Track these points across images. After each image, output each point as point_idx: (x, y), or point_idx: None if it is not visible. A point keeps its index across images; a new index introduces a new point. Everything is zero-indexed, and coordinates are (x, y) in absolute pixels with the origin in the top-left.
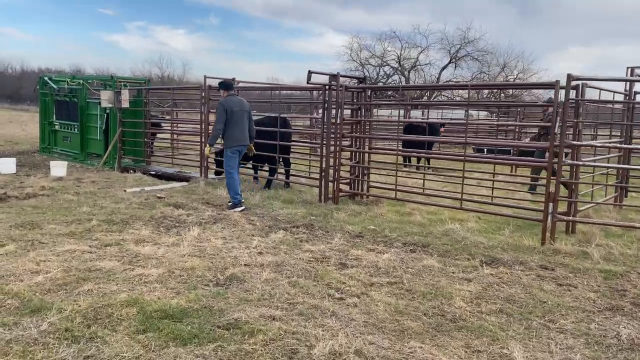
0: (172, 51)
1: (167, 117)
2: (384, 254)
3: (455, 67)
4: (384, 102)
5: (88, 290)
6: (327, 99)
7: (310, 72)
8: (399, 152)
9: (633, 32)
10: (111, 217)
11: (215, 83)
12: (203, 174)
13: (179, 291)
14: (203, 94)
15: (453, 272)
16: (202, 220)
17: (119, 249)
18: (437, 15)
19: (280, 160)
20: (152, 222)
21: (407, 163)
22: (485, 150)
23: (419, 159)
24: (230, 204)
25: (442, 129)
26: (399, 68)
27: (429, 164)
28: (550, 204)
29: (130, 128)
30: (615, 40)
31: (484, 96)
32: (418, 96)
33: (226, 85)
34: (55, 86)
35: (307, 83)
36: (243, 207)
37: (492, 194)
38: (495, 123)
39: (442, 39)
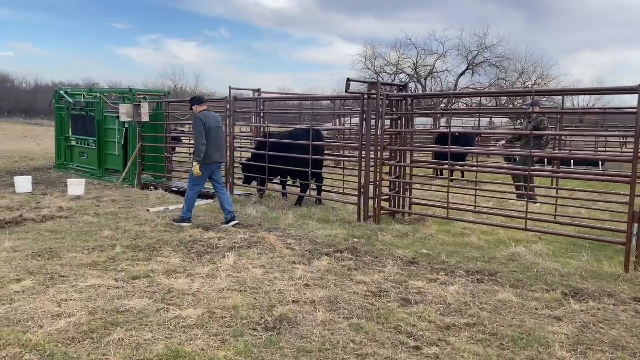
0: (183, 64)
1: (186, 131)
2: (449, 285)
3: (473, 73)
4: (431, 112)
5: (119, 340)
6: (365, 108)
7: (349, 80)
8: (452, 166)
9: None
10: (136, 242)
11: (240, 94)
12: (228, 191)
13: (224, 339)
14: (228, 107)
15: (536, 309)
16: (235, 245)
17: (149, 283)
18: (446, 23)
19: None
20: (182, 247)
21: (439, 176)
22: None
23: (451, 172)
24: (178, 217)
25: (478, 139)
26: (415, 76)
27: (463, 176)
28: (635, 225)
29: (150, 143)
30: (628, 45)
31: (503, 103)
32: (436, 104)
33: (199, 100)
34: (71, 100)
35: (346, 92)
36: (190, 224)
37: (555, 211)
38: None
39: (459, 46)
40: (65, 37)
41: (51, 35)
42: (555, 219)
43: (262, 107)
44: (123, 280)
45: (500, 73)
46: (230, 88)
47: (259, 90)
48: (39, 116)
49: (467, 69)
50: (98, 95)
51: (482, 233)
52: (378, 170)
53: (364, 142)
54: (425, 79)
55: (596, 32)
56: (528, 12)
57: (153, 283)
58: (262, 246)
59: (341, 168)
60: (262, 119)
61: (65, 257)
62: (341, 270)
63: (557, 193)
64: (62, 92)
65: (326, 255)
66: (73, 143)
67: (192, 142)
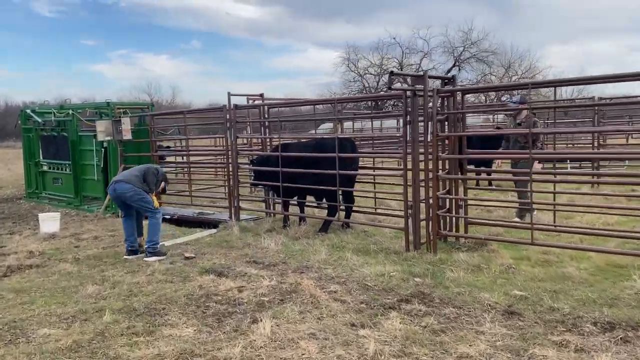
0: (157, 77)
1: (172, 147)
2: (590, 353)
3: (459, 70)
4: (499, 109)
5: None
6: (410, 108)
7: (392, 74)
8: (533, 176)
9: (608, 27)
10: (130, 302)
11: (239, 101)
12: (234, 216)
13: None
14: (228, 116)
15: None
16: (263, 299)
17: None
18: (417, 25)
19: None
20: (192, 307)
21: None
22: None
23: (489, 182)
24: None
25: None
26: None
27: (490, 184)
28: None
29: (134, 164)
30: (593, 37)
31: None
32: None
33: None
34: (39, 119)
35: (389, 88)
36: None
37: None
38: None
39: (445, 42)
40: (34, 57)
41: (19, 56)
42: None
43: (266, 115)
44: None
45: (487, 68)
46: (229, 94)
47: (261, 96)
48: (9, 139)
49: (453, 65)
50: (70, 112)
51: (571, 259)
52: (430, 185)
53: (408, 151)
54: None
55: (560, 26)
56: (496, 10)
57: None
58: (299, 298)
59: (372, 183)
60: (267, 129)
61: (35, 335)
62: (425, 335)
63: None
64: (28, 111)
65: (391, 308)
66: (45, 168)
67: (178, 160)
